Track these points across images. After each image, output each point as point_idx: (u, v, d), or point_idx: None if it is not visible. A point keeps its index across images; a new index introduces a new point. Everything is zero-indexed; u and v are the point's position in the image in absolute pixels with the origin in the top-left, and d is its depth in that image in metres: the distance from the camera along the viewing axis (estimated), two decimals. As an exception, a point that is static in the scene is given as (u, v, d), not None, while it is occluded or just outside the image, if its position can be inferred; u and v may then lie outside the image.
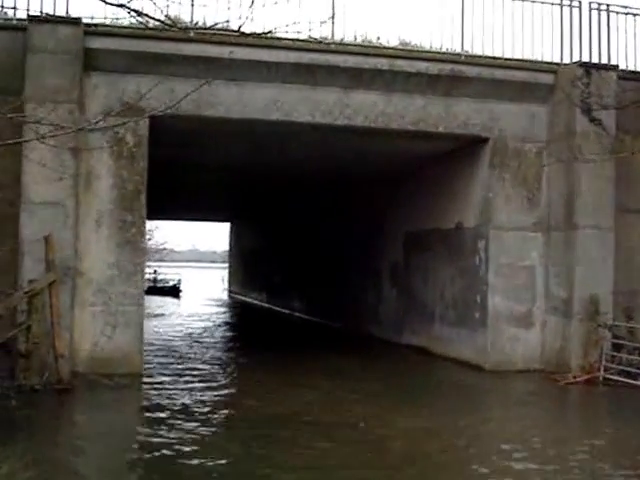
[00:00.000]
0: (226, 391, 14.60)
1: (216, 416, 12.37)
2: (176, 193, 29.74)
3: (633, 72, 17.36)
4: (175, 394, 13.79)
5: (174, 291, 47.15)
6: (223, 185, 28.23)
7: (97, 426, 11.75)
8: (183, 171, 23.45)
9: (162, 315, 31.05)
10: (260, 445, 10.44)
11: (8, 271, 14.11)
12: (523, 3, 16.77)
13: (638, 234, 17.30)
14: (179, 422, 11.59)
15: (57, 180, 14.17)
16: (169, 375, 15.81)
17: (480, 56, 16.84)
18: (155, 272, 50.64)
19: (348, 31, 16.45)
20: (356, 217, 26.14)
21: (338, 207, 28.00)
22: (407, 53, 16.61)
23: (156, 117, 13.76)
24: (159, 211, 34.86)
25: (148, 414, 12.39)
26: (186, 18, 15.07)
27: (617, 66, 16.98)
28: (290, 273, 35.45)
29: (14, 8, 15.25)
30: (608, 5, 17.31)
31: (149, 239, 48.21)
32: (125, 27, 14.95)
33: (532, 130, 17.16)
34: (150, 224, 47.11)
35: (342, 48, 16.13)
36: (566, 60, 17.11)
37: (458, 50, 16.73)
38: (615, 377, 15.61)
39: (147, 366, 16.21)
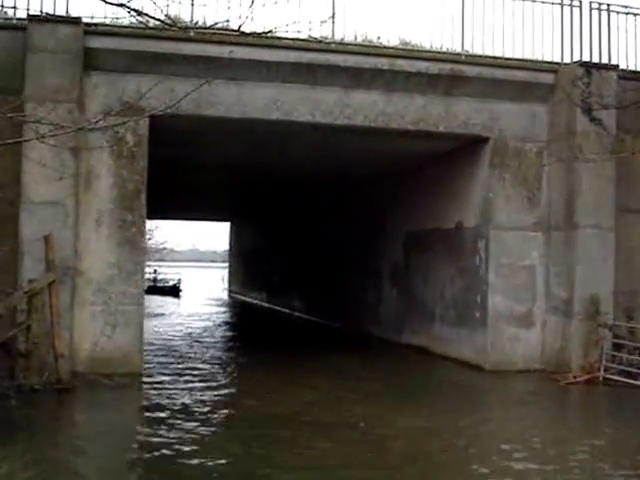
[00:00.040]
0: (226, 391, 14.58)
1: (216, 416, 12.36)
2: (176, 193, 29.73)
3: (633, 72, 17.34)
4: (175, 394, 13.78)
5: (174, 291, 47.15)
6: (223, 185, 28.22)
7: (97, 426, 11.75)
8: (183, 171, 23.44)
9: (162, 315, 31.04)
10: (260, 445, 10.43)
11: (8, 271, 14.10)
12: (523, 3, 16.76)
13: (638, 234, 17.28)
14: (179, 422, 11.58)
15: (57, 180, 14.17)
16: (169, 375, 15.80)
17: (480, 56, 16.83)
18: (155, 272, 50.66)
19: (348, 31, 16.47)
20: (356, 217, 26.13)
21: (338, 207, 27.99)
22: (407, 53, 16.60)
23: (156, 117, 13.75)
24: (159, 211, 34.87)
25: (148, 414, 12.38)
26: (186, 18, 15.09)
27: (617, 66, 16.96)
28: (290, 273, 35.45)
29: (14, 8, 15.25)
30: (608, 5, 17.29)
31: (149, 239, 48.23)
32: (125, 27, 14.94)
33: (532, 130, 17.15)
34: (150, 224, 47.15)
35: (342, 48, 16.12)
36: (566, 60, 17.09)
37: (458, 50, 16.71)
38: (615, 377, 15.60)
39: (147, 366, 16.21)
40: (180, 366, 16.96)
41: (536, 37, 16.94)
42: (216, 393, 14.13)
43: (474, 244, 17.78)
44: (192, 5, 15.07)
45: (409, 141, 17.61)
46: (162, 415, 12.05)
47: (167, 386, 14.57)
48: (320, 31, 15.21)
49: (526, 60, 16.99)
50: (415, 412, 12.85)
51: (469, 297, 18.01)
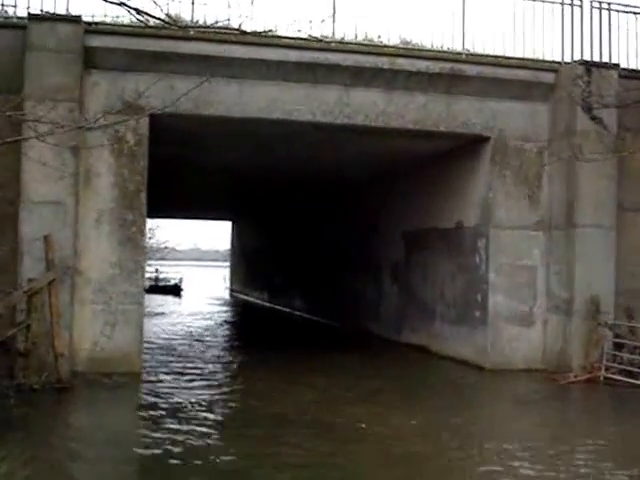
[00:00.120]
0: (227, 390, 14.56)
1: (216, 415, 12.34)
2: (177, 192, 29.74)
3: (634, 71, 17.32)
4: (175, 393, 13.76)
5: (175, 290, 47.13)
6: (224, 184, 28.21)
7: (96, 425, 11.75)
8: (184, 170, 23.46)
9: (163, 314, 31.03)
10: (260, 444, 10.42)
11: (8, 270, 14.10)
12: (524, 2, 16.73)
13: (639, 233, 17.26)
14: (178, 421, 11.57)
15: (57, 179, 14.18)
16: (169, 374, 15.79)
17: (481, 55, 16.82)
18: (157, 271, 50.64)
19: (349, 30, 16.45)
20: (357, 216, 26.12)
21: (339, 206, 27.98)
22: (408, 52, 16.58)
23: (156, 116, 13.81)
24: (161, 210, 34.87)
25: (147, 413, 12.33)
26: (187, 16, 15.10)
27: (618, 65, 16.94)
28: (291, 272, 35.44)
29: (14, 6, 15.26)
30: (609, 4, 17.27)
31: (150, 238, 48.24)
32: (125, 25, 14.91)
33: (533, 129, 17.13)
34: (152, 223, 47.17)
35: (343, 47, 16.12)
36: (567, 59, 17.07)
37: (459, 49, 16.70)
38: (616, 376, 15.57)
39: (147, 365, 16.22)
40: (181, 365, 16.95)
41: (537, 36, 16.95)
42: (216, 392, 14.12)
43: (474, 243, 17.76)
44: (192, 4, 15.10)
45: (409, 140, 17.60)
46: (161, 414, 12.03)
47: (167, 385, 14.56)
48: (320, 30, 15.23)
49: (527, 59, 16.98)
50: (415, 412, 12.82)
51: (469, 296, 18.00)
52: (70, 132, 12.72)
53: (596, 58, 17.05)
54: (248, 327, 29.84)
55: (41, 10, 14.83)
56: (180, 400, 13.14)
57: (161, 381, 15.01)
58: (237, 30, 10.90)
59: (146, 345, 17.40)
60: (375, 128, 16.53)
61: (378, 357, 19.65)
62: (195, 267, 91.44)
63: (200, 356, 18.65)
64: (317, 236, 30.87)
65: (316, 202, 30.25)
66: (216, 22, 12.42)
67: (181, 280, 49.81)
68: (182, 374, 15.84)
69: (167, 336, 22.57)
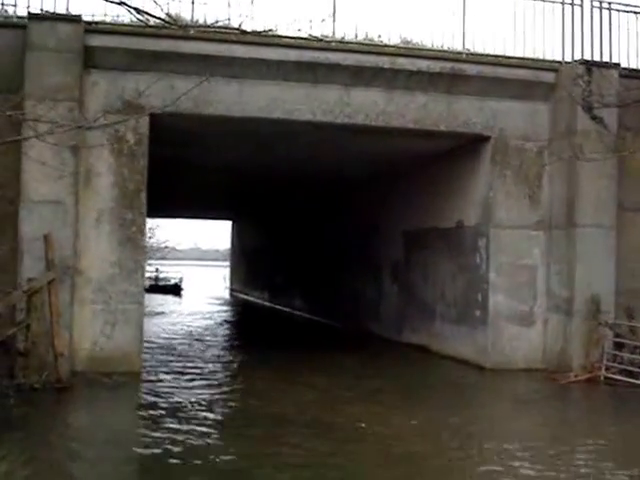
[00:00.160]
0: (226, 389, 14.55)
1: (216, 415, 12.33)
2: (178, 192, 29.76)
3: (634, 70, 17.31)
4: (175, 393, 13.76)
5: (176, 289, 47.14)
6: (224, 184, 28.20)
7: (96, 425, 11.75)
8: (184, 169, 23.45)
9: (163, 313, 31.03)
10: (259, 443, 10.42)
11: (8, 270, 14.09)
12: (524, 1, 16.73)
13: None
14: (178, 421, 11.56)
15: (57, 178, 14.17)
16: (169, 373, 15.79)
17: (481, 54, 16.81)
18: (157, 270, 50.65)
19: (349, 29, 16.44)
20: (357, 216, 26.11)
21: (339, 205, 27.98)
22: (408, 51, 16.57)
23: (157, 115, 13.81)
24: (161, 209, 34.86)
25: (147, 413, 12.32)
26: (187, 16, 15.10)
27: (618, 64, 16.93)
28: (291, 272, 35.44)
29: (14, 5, 15.25)
30: (610, 3, 17.26)
31: (151, 237, 48.23)
32: (125, 25, 14.93)
33: (533, 128, 17.11)
34: (152, 222, 47.15)
35: (343, 46, 16.11)
36: (567, 58, 17.07)
37: (459, 48, 16.70)
38: (616, 376, 15.57)
39: (147, 364, 16.21)
40: (181, 365, 16.95)
41: (537, 35, 16.94)
42: (216, 392, 14.12)
43: (475, 243, 17.76)
44: (192, 3, 15.11)
45: (410, 140, 17.60)
46: (161, 414, 12.02)
47: (167, 385, 14.55)
48: (321, 29, 15.24)
49: (527, 59, 16.97)
50: (415, 411, 12.82)
51: (470, 296, 17.99)
52: (70, 132, 12.71)
53: (596, 57, 17.05)
54: (248, 327, 29.84)
55: (41, 10, 14.83)
56: (180, 399, 13.14)
57: (161, 380, 15.00)
58: (237, 30, 10.90)
59: (146, 344, 17.40)
60: (375, 127, 16.52)
61: (378, 357, 19.64)
62: (195, 267, 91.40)
63: (200, 355, 18.65)
64: (317, 236, 30.86)
65: (316, 202, 30.24)
66: (216, 21, 12.43)
67: (181, 280, 49.82)
68: (182, 373, 15.84)
69: (167, 335, 22.57)
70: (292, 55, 15.64)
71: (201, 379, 15.31)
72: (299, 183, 27.20)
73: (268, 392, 14.02)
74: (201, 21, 15.02)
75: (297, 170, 23.37)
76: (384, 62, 16.09)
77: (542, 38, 16.98)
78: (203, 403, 12.95)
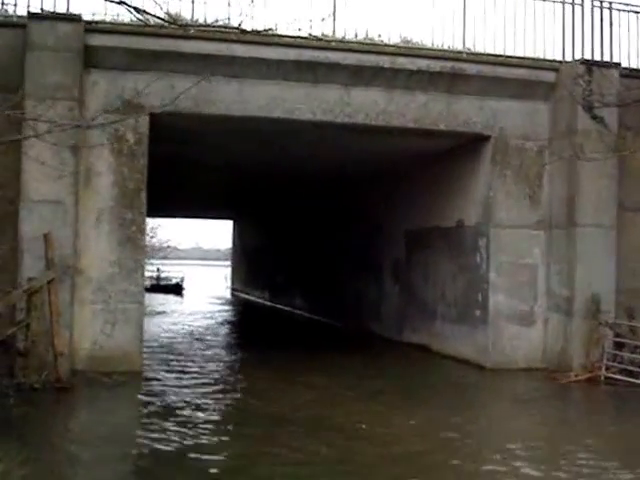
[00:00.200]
0: (227, 389, 14.55)
1: (216, 415, 12.35)
2: (179, 191, 29.76)
3: (635, 70, 17.29)
4: (175, 392, 13.76)
5: (177, 289, 47.14)
6: (225, 183, 28.22)
7: (95, 425, 11.72)
8: (185, 169, 23.46)
9: (164, 313, 31.02)
10: (260, 444, 10.41)
11: (7, 269, 14.09)
12: (525, 0, 16.71)
13: (640, 232, 17.27)
14: (178, 420, 11.56)
15: (57, 178, 14.16)
16: (170, 373, 15.80)
17: (482, 53, 16.78)
18: (158, 270, 50.65)
19: (349, 28, 16.42)
20: (357, 215, 26.10)
21: (340, 205, 27.96)
22: (408, 50, 16.55)
23: (157, 114, 13.80)
24: (162, 209, 34.87)
25: (147, 412, 12.33)
26: (187, 15, 15.11)
27: (619, 64, 16.91)
28: (292, 271, 35.44)
29: (14, 5, 15.26)
30: (610, 2, 17.24)
31: (152, 237, 48.26)
32: (125, 24, 14.92)
33: (534, 128, 17.10)
34: (153, 222, 47.18)
35: (343, 45, 16.09)
36: (568, 58, 17.05)
37: (459, 47, 16.68)
38: (617, 376, 15.56)
39: (148, 364, 16.19)
40: (181, 364, 16.95)
41: (538, 35, 16.93)
42: (217, 391, 14.10)
43: (475, 242, 17.75)
44: (192, 2, 15.13)
45: (410, 139, 17.59)
46: (161, 414, 12.02)
47: (167, 385, 14.55)
48: (321, 29, 15.23)
49: (527, 58, 16.95)
50: (416, 411, 12.80)
51: (470, 295, 17.98)
52: (70, 131, 12.73)
53: (597, 57, 17.04)
54: (249, 326, 29.84)
55: (41, 9, 14.83)
56: (180, 399, 13.13)
57: (161, 380, 15.01)
58: (237, 29, 10.90)
59: (147, 344, 17.39)
60: (376, 127, 16.51)
61: (379, 356, 19.63)
62: (197, 266, 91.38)
63: (201, 355, 18.66)
64: (318, 235, 30.85)
65: (317, 201, 30.23)
66: (216, 21, 12.45)
67: (182, 279, 49.81)
68: (183, 373, 15.85)
69: (168, 335, 22.58)
70: (292, 54, 15.63)
71: (202, 379, 15.29)
72: (300, 182, 27.21)
73: (268, 392, 14.01)
74: (201, 20, 15.05)
75: (298, 169, 23.38)
76: (384, 61, 16.08)
77: (542, 37, 16.99)
78: (203, 403, 12.95)
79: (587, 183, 16.37)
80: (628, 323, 16.46)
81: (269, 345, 20.84)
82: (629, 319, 16.57)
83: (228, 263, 61.27)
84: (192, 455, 9.82)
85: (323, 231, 30.10)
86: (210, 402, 13.08)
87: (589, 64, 16.52)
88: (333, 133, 17.12)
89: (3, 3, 15.33)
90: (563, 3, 17.09)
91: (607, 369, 15.80)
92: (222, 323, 28.42)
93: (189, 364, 17.03)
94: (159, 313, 30.36)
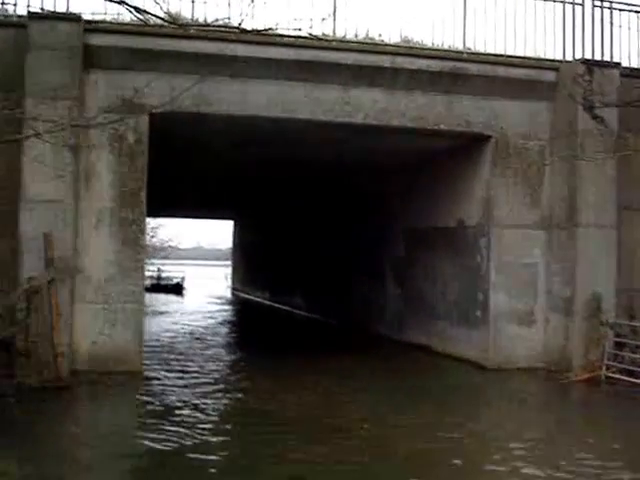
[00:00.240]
0: (227, 389, 14.55)
1: (216, 415, 12.34)
2: (179, 191, 29.75)
3: (636, 69, 17.29)
4: (175, 392, 13.75)
5: (178, 289, 47.12)
6: (225, 183, 28.22)
7: (95, 425, 11.77)
8: (185, 169, 23.46)
9: (165, 312, 31.00)
10: (260, 443, 10.40)
11: (7, 269, 14.09)
12: (525, 0, 16.70)
13: (641, 232, 17.27)
14: (178, 420, 11.57)
15: (57, 177, 14.15)
16: (170, 373, 15.78)
17: (482, 53, 16.77)
18: (159, 270, 50.66)
19: (349, 28, 16.43)
20: (358, 215, 26.08)
21: (340, 205, 27.94)
22: (409, 50, 16.55)
23: (157, 114, 13.81)
24: (163, 209, 34.87)
25: (147, 412, 12.35)
26: (187, 15, 15.10)
27: (620, 63, 16.91)
28: (293, 271, 35.41)
29: (14, 5, 15.26)
30: (611, 2, 17.24)
31: (153, 237, 48.29)
32: (125, 24, 14.91)
33: (534, 128, 17.08)
34: (154, 222, 47.22)
35: (343, 45, 16.09)
36: (568, 57, 17.05)
37: (460, 47, 16.67)
38: (617, 376, 15.54)
39: (148, 364, 16.17)
40: (181, 364, 16.94)
41: (538, 35, 16.93)
42: (217, 391, 14.10)
43: (476, 242, 17.74)
44: (192, 2, 15.12)
45: (410, 139, 17.59)
46: (161, 413, 12.02)
47: (167, 385, 14.54)
48: (321, 28, 15.19)
49: (528, 58, 16.95)
50: (417, 411, 12.79)
51: (471, 295, 17.97)
52: (70, 131, 12.72)
53: (598, 57, 17.04)
54: (249, 326, 29.83)
55: (41, 9, 14.84)
56: (180, 399, 13.13)
57: (161, 380, 15.00)
58: (237, 28, 10.86)
59: (147, 344, 17.36)
60: (376, 127, 16.49)
61: (379, 356, 19.60)
62: (197, 266, 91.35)
63: (201, 355, 18.64)
64: (318, 235, 30.84)
65: (317, 201, 30.21)
66: (216, 20, 12.42)
67: (183, 279, 49.80)
68: (183, 373, 15.84)
69: (168, 335, 22.56)
70: (292, 54, 15.61)
71: (202, 379, 15.28)
72: (300, 182, 27.20)
73: (268, 392, 13.99)
74: (201, 20, 15.04)
75: (297, 169, 23.37)
76: (384, 61, 16.07)
77: (543, 37, 16.98)
78: (203, 403, 12.93)
79: (588, 183, 16.36)
80: (629, 323, 16.45)
81: (269, 345, 20.84)
82: (630, 319, 16.57)
83: (229, 263, 61.26)
84: (191, 455, 9.83)
85: (323, 231, 30.08)
86: (210, 402, 13.07)
87: (590, 64, 16.50)
88: (333, 133, 17.10)
89: (3, 3, 15.35)
90: (563, 3, 17.08)
91: (608, 369, 15.79)
92: (222, 323, 28.41)
93: (189, 364, 17.03)
94: (160, 313, 30.34)
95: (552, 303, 16.93)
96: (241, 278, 51.17)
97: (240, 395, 14.14)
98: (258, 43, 15.18)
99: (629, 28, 17.33)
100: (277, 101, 15.74)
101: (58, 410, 12.49)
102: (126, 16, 13.97)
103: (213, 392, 13.98)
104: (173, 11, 14.53)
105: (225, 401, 13.50)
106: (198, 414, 12.08)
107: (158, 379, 15.05)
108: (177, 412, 12.08)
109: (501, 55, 16.79)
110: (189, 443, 10.31)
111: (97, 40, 14.89)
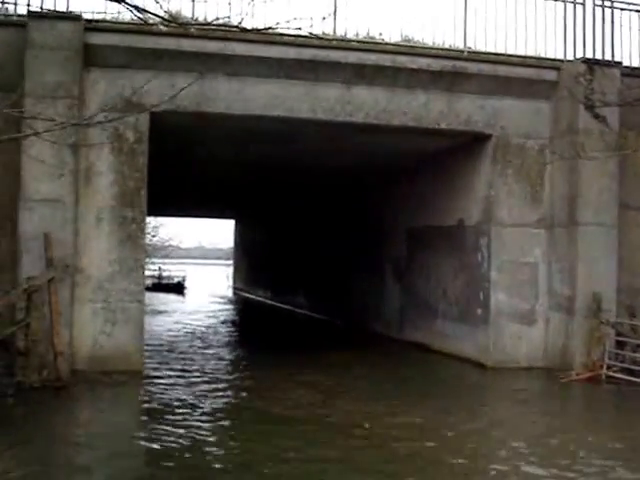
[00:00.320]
0: (228, 388, 14.54)
1: (217, 414, 12.31)
2: (180, 190, 29.75)
3: (637, 69, 17.28)
4: (175, 392, 13.74)
5: (179, 288, 47.12)
6: (226, 182, 28.19)
7: (95, 424, 11.72)
8: (186, 168, 23.43)
9: (166, 312, 31.00)
10: (260, 443, 10.38)
11: (7, 269, 14.09)
12: (526, -1, 16.72)
13: (642, 231, 17.24)
14: (178, 420, 11.56)
15: (57, 177, 14.17)
16: (170, 372, 15.76)
17: (483, 52, 16.74)
18: (160, 269, 50.66)
19: (350, 27, 16.40)
20: (359, 214, 26.09)
21: (341, 204, 27.95)
22: (409, 49, 16.52)
23: (157, 113, 13.78)
24: (164, 208, 34.86)
25: (147, 412, 12.34)
26: (187, 14, 15.09)
27: (620, 63, 16.90)
28: (294, 270, 35.42)
29: (15, 4, 15.24)
30: (612, 1, 17.21)
31: (154, 236, 48.29)
32: (125, 23, 14.91)
33: (535, 127, 17.07)
34: (156, 221, 47.23)
35: (344, 44, 16.07)
36: (569, 57, 17.02)
37: (461, 46, 16.66)
38: (618, 375, 15.53)
39: (148, 363, 16.17)
40: (182, 364, 16.92)
41: (539, 34, 16.91)
42: (218, 391, 14.08)
43: (476, 241, 17.73)
44: (193, 1, 15.09)
45: (410, 138, 17.58)
46: (161, 413, 12.00)
47: (168, 384, 14.51)
48: (322, 27, 15.18)
49: (529, 57, 16.93)
50: (418, 410, 12.76)
51: (471, 294, 17.96)
52: (70, 130, 12.71)
53: (598, 56, 17.01)
54: (251, 325, 29.82)
55: (41, 8, 14.84)
56: (181, 398, 13.12)
57: (162, 379, 14.97)
58: (237, 27, 10.83)
59: (148, 343, 17.37)
60: (376, 126, 16.48)
61: (380, 355, 19.59)
62: (199, 265, 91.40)
63: (202, 354, 18.63)
64: (319, 234, 30.84)
65: (318, 200, 30.22)
66: (216, 19, 12.40)
67: (184, 278, 49.81)
68: (183, 372, 15.82)
69: (169, 334, 22.56)
70: (292, 53, 15.60)
71: (203, 378, 15.26)
72: (301, 182, 27.18)
73: (269, 390, 13.98)
74: (201, 19, 15.02)
75: (298, 168, 23.35)
76: (385, 60, 16.06)
77: (544, 36, 16.96)
78: (203, 402, 12.94)
79: (588, 182, 16.34)
80: (629, 322, 16.44)
81: (270, 344, 20.84)
82: (630, 318, 16.56)
83: (230, 262, 61.28)
84: (191, 454, 9.81)
85: (324, 230, 30.10)
86: (210, 401, 13.07)
87: (590, 63, 16.49)
88: (334, 132, 17.10)
89: (3, 2, 15.36)
90: (564, 2, 17.05)
91: (608, 368, 15.78)
92: (224, 322, 28.42)
93: (190, 363, 17.01)
94: (161, 312, 30.35)
95: (553, 302, 16.92)
96: (243, 277, 51.17)
97: (241, 394, 14.14)
98: (258, 42, 15.18)
99: (630, 27, 17.30)
100: (277, 100, 15.74)
101: (58, 410, 12.47)
102: (126, 15, 13.98)
103: (214, 391, 13.97)
104: (173, 10, 14.54)
105: (225, 400, 13.49)
106: (198, 413, 12.07)
107: (159, 378, 15.03)
108: (177, 411, 12.08)
109: (502, 54, 16.77)
110: (189, 443, 10.29)
111: (97, 39, 14.87)
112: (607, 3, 17.21)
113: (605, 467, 9.62)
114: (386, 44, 16.46)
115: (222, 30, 13.88)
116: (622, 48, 17.30)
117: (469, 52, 16.63)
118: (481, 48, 16.77)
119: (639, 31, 17.36)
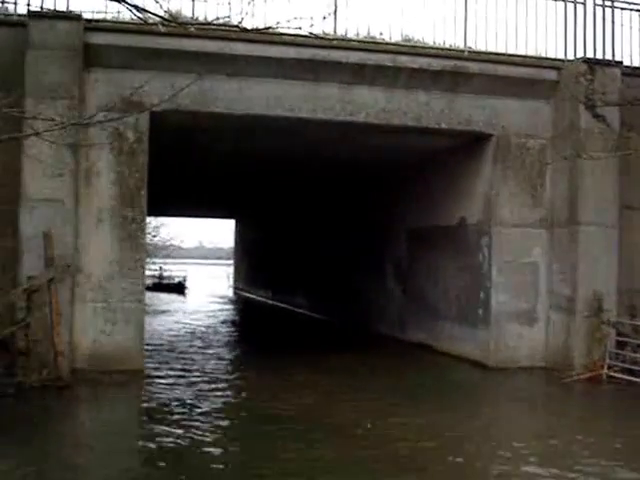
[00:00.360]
0: (228, 388, 14.55)
1: (217, 414, 12.30)
2: (181, 190, 29.73)
3: (637, 68, 17.28)
4: (175, 392, 13.74)
5: (179, 288, 47.10)
6: (227, 182, 28.19)
7: (95, 424, 11.75)
8: (186, 168, 23.43)
9: (167, 312, 31.01)
10: (261, 443, 10.40)
11: (7, 268, 14.07)
12: (527, -2, 16.70)
13: (642, 231, 17.23)
14: (178, 419, 11.56)
15: (57, 176, 14.16)
16: (170, 372, 15.77)
17: (483, 52, 16.72)
18: (161, 269, 50.68)
19: (350, 27, 16.38)
20: (359, 214, 26.07)
21: (342, 204, 27.93)
22: (410, 49, 16.50)
23: (157, 113, 13.80)
24: (165, 208, 34.86)
25: (147, 412, 12.33)
26: (187, 13, 15.09)
27: (621, 62, 16.88)
28: (295, 270, 35.41)
29: (14, 4, 15.24)
30: (613, 1, 17.19)
31: (154, 236, 48.33)
32: (126, 22, 14.89)
33: (536, 126, 17.04)
34: (156, 221, 47.26)
35: (344, 44, 16.05)
36: (570, 56, 17.00)
37: (461, 46, 16.64)
38: (619, 375, 15.52)
39: (148, 363, 16.17)
40: (182, 364, 16.92)
41: (540, 33, 16.89)
42: (218, 391, 14.08)
43: (477, 241, 17.71)
44: (193, 1, 15.08)
45: (411, 138, 17.55)
46: (161, 413, 12.01)
47: (168, 384, 14.51)
48: (322, 27, 15.14)
49: (529, 57, 16.91)
50: (419, 410, 12.78)
51: (472, 294, 17.94)
52: (70, 130, 12.70)
53: (599, 56, 16.99)
54: (251, 325, 29.82)
55: (41, 8, 14.81)
56: (181, 398, 13.13)
57: (162, 379, 14.97)
58: (238, 27, 10.83)
59: (148, 343, 17.36)
60: (377, 126, 16.46)
61: (381, 355, 19.58)
62: (199, 265, 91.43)
63: (202, 354, 18.62)
64: (320, 234, 30.83)
65: (319, 200, 30.20)
66: (217, 19, 12.39)
67: (185, 278, 49.81)
68: (184, 372, 15.82)
69: (170, 334, 22.55)
70: (293, 53, 15.57)
71: (203, 378, 15.26)
72: (301, 181, 27.18)
73: (269, 390, 13.98)
74: (201, 18, 15.01)
75: (299, 168, 23.35)
76: (385, 60, 16.04)
77: (544, 36, 16.94)
78: (203, 401, 12.93)
79: (589, 182, 16.32)
80: (630, 322, 16.43)
81: (270, 344, 20.83)
82: (631, 318, 16.55)
83: (231, 262, 61.29)
84: (191, 454, 9.82)
85: (325, 230, 30.08)
86: (210, 401, 13.07)
87: (591, 63, 16.46)
88: (334, 132, 17.08)
89: (3, 2, 15.35)
90: (565, 1, 17.03)
91: (609, 368, 15.76)
92: (224, 322, 28.40)
93: (190, 363, 17.01)
94: (161, 312, 30.36)
95: (554, 302, 16.90)
96: (243, 277, 51.17)
97: (241, 394, 14.14)
98: (258, 42, 15.15)
99: (631, 27, 17.29)
100: (277, 100, 15.71)
101: (58, 409, 12.49)
102: (126, 15, 13.99)
103: (214, 391, 13.98)
104: (173, 10, 14.53)
105: (225, 400, 13.49)
106: (198, 413, 12.06)
107: (159, 378, 15.03)
108: (177, 411, 12.08)
109: (502, 54, 16.74)
110: (189, 442, 10.29)
111: (97, 39, 14.85)
112: (608, 3, 17.18)
113: (606, 467, 9.60)
114: (387, 44, 16.44)
115: (222, 30, 13.89)
116: (623, 48, 17.30)
117: (470, 52, 16.61)
118: (482, 48, 16.75)
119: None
